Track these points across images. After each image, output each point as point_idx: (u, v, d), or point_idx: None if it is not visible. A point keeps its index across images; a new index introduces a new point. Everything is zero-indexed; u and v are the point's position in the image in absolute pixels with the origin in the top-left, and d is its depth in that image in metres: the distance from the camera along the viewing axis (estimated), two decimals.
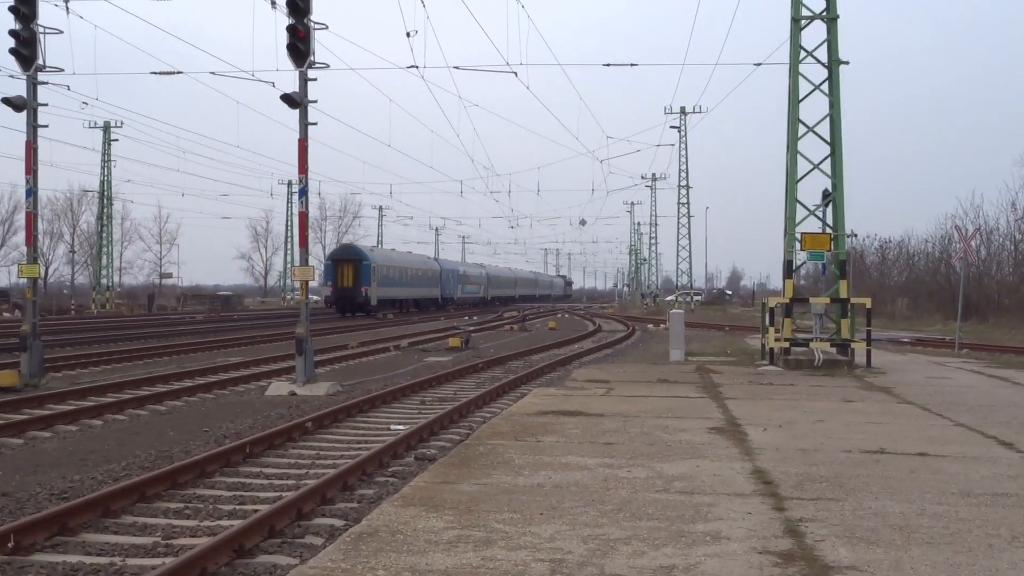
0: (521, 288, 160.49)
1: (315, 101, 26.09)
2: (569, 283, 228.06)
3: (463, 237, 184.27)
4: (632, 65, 41.94)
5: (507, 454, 13.80)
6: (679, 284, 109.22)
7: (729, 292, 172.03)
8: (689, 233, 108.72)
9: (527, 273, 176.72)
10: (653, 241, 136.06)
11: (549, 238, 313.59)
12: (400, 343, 42.99)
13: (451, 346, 40.34)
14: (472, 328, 57.87)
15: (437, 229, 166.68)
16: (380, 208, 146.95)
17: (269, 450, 16.89)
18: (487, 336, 52.70)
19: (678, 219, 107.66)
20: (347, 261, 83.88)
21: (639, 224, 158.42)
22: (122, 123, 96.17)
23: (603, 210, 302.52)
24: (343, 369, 32.17)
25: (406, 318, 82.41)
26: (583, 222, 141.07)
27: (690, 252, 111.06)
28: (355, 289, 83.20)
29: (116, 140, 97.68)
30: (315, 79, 25.90)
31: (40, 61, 27.68)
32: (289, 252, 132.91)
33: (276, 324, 65.78)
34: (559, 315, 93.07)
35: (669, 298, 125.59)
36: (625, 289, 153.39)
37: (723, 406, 19.23)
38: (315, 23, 25.53)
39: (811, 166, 30.25)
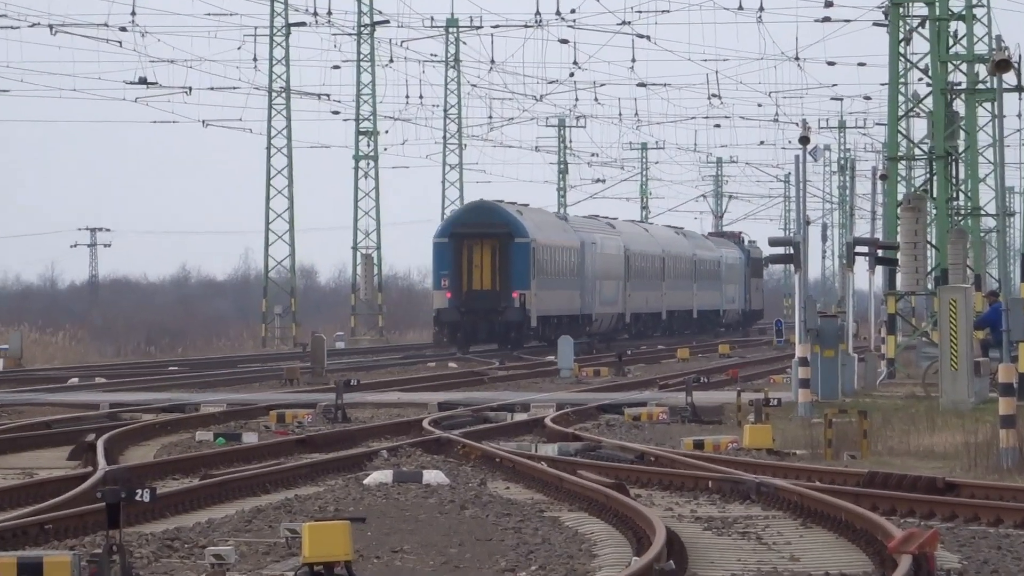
0: (670, 287, 71.14)
1: None
2: (761, 263, 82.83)
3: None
4: None
5: None
6: None
7: None
8: None
9: (679, 240, 78.59)
10: None
11: None
12: None
13: None
14: None
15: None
16: None
17: None
18: None
19: None
20: (482, 237, 47.91)
21: None
22: None
23: None
24: None
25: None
26: None
27: None
28: (498, 293, 47.58)
29: None
30: None
31: None
32: None
33: None
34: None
35: None
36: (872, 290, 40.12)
37: None
38: None
39: None
